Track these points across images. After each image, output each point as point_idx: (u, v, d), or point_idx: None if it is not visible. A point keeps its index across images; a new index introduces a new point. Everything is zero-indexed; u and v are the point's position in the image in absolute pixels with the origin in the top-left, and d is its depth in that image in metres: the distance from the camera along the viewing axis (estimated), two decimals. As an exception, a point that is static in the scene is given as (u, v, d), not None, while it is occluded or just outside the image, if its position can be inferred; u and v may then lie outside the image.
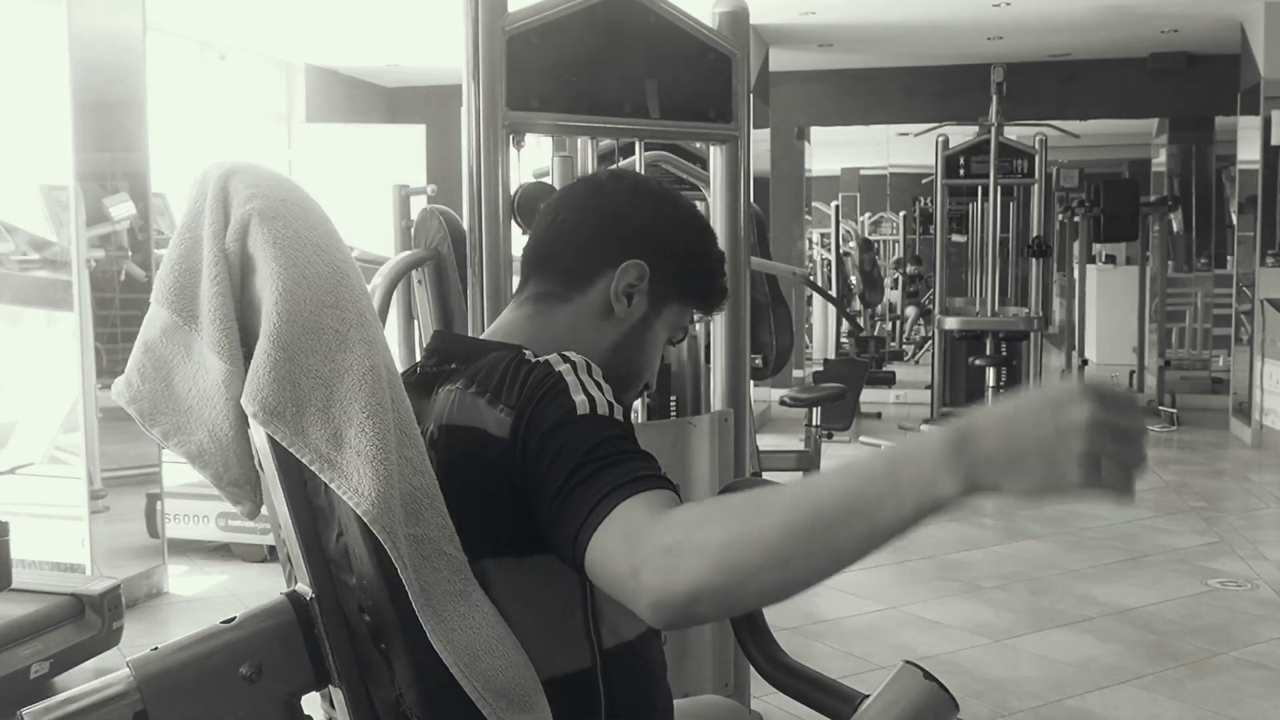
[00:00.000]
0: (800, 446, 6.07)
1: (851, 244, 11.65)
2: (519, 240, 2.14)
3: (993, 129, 7.76)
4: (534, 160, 2.61)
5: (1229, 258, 9.01)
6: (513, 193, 2.20)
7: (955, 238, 9.12)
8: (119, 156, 4.17)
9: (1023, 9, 7.67)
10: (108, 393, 2.79)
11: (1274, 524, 5.55)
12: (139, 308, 4.03)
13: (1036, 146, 7.78)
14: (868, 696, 1.24)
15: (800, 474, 5.37)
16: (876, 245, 12.86)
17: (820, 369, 10.48)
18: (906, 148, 11.51)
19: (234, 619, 1.10)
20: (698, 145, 3.02)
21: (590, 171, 2.62)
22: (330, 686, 1.13)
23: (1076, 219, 9.08)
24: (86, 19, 3.96)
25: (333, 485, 1.02)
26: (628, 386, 1.34)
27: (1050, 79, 9.56)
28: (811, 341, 11.61)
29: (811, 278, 10.61)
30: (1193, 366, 10.09)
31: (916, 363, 11.86)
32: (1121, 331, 9.66)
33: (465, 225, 2.23)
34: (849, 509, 0.87)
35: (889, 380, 9.71)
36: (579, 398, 1.10)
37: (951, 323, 7.70)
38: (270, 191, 1.08)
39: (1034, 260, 7.84)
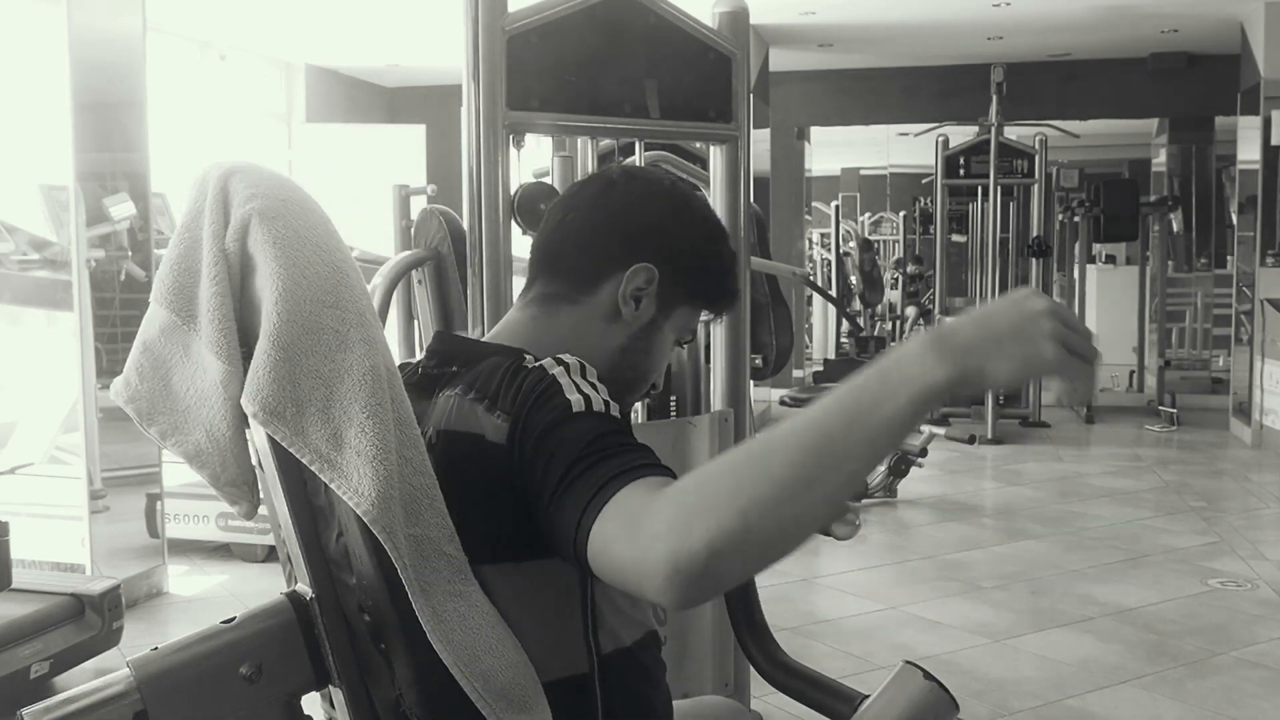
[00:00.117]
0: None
1: (851, 244, 11.64)
2: (519, 240, 2.14)
3: (993, 129, 7.77)
4: (534, 160, 2.61)
5: (1229, 258, 9.01)
6: (513, 193, 2.19)
7: (955, 238, 9.13)
8: (119, 156, 4.16)
9: (1023, 9, 7.67)
10: (108, 393, 2.78)
11: (1274, 524, 5.55)
12: (139, 308, 4.02)
13: (1036, 146, 7.79)
14: (868, 696, 1.24)
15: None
16: (876, 245, 12.84)
17: (820, 369, 10.51)
18: (906, 148, 11.52)
19: (234, 619, 1.10)
20: (698, 145, 3.02)
21: (590, 171, 2.62)
22: (330, 686, 1.13)
23: (1076, 219, 9.09)
24: (86, 19, 3.96)
25: (333, 485, 1.02)
26: (633, 389, 1.32)
27: (1050, 79, 9.56)
28: (811, 341, 11.62)
29: (811, 278, 10.61)
30: (1193, 366, 10.09)
31: (916, 362, 11.82)
32: (1121, 331, 9.65)
33: (465, 225, 2.22)
34: (848, 421, 0.89)
35: (889, 380, 9.68)
36: (574, 396, 1.09)
37: (951, 323, 7.71)
38: (270, 191, 1.08)
39: (1034, 260, 7.85)
